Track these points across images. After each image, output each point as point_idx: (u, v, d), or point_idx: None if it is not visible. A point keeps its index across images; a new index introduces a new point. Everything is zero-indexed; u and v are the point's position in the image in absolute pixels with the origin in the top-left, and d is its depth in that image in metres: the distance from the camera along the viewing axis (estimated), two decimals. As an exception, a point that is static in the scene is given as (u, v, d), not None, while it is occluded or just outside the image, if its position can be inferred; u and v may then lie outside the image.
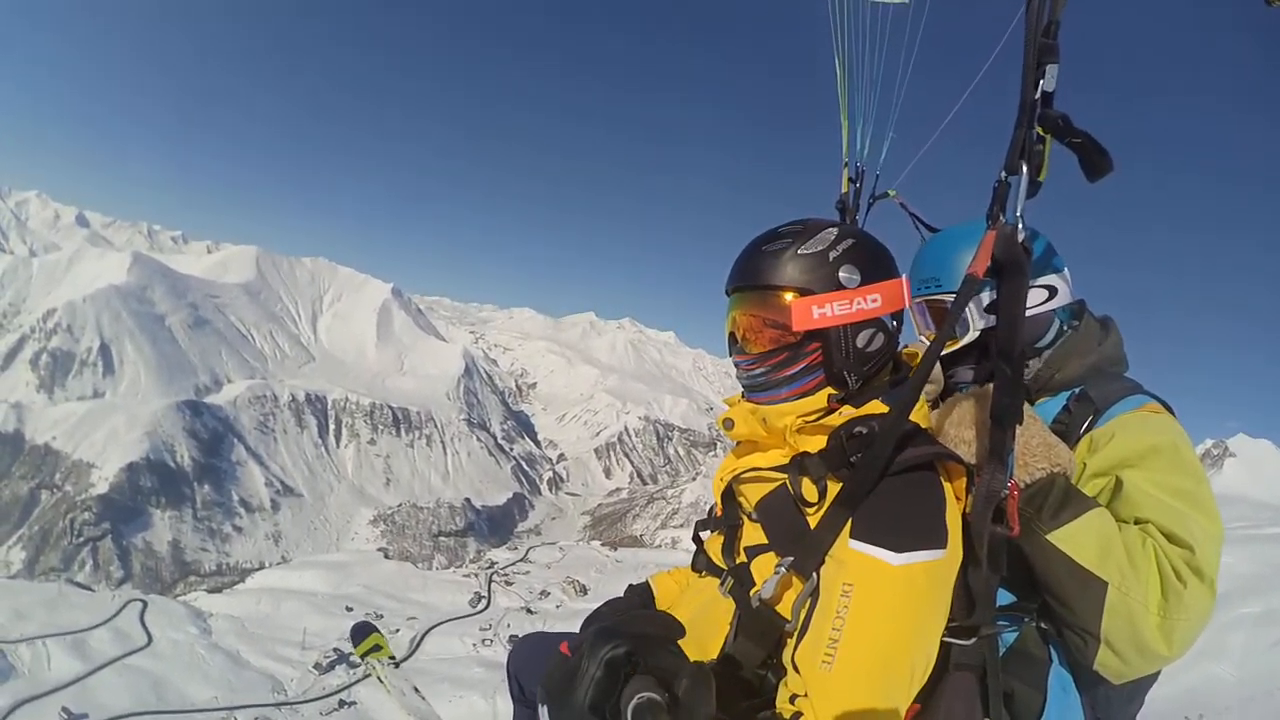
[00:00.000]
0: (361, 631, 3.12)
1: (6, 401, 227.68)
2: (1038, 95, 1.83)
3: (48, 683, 71.55)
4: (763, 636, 1.97)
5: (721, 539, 2.33)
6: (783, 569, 1.90)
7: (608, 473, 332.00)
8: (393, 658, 3.17)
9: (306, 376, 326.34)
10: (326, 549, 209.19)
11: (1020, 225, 1.88)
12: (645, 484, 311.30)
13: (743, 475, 2.20)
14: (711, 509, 2.43)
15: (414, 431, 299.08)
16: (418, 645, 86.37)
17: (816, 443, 2.03)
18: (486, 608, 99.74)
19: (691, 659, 1.89)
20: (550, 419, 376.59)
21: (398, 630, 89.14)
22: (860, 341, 2.10)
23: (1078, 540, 1.97)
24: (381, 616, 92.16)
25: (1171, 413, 2.39)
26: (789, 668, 1.83)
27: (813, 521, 1.93)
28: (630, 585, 2.78)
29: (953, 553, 1.81)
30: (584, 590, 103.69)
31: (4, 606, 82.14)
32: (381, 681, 3.15)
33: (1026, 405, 2.14)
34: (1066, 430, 2.36)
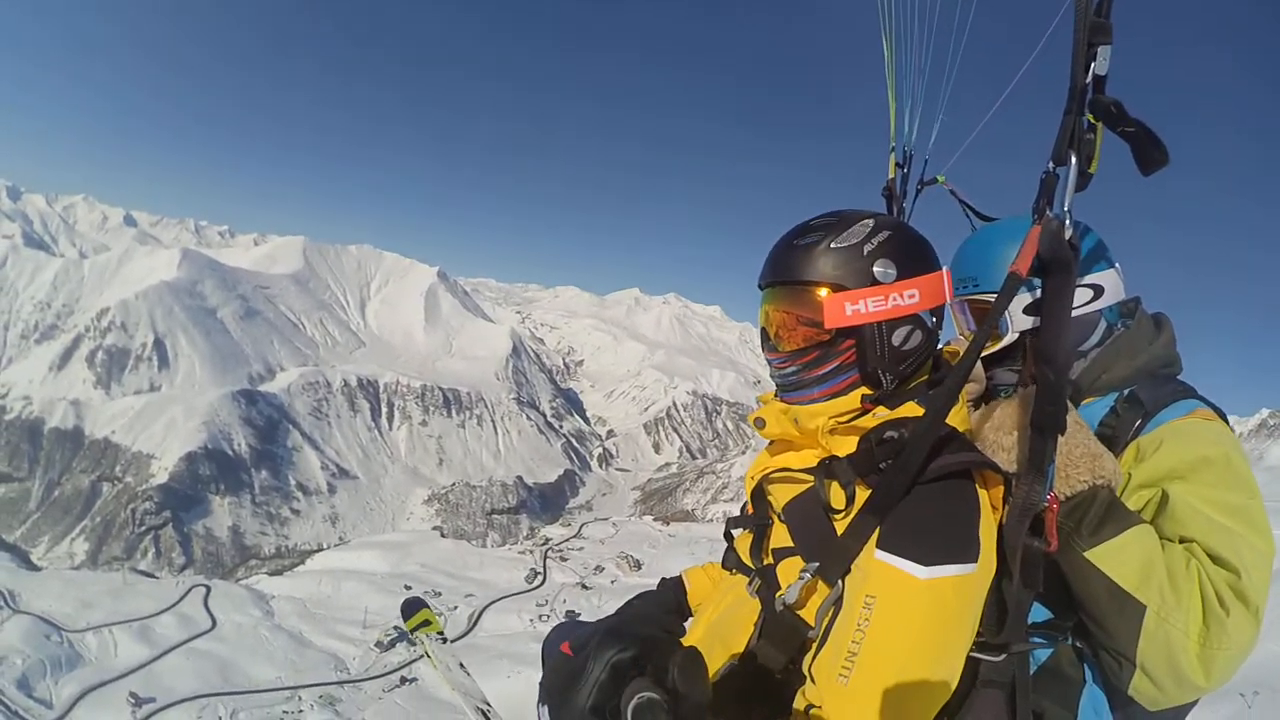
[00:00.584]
0: (412, 607, 3.08)
1: (65, 399, 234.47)
2: (1088, 79, 1.74)
3: (115, 669, 73.09)
4: (785, 641, 1.91)
5: (751, 538, 2.26)
6: (807, 574, 1.84)
7: (657, 448, 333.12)
8: (441, 633, 3.23)
9: (357, 361, 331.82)
10: (383, 529, 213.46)
11: (1068, 220, 1.81)
12: (694, 458, 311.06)
13: (772, 475, 2.15)
14: (744, 506, 2.35)
15: (465, 412, 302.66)
16: (475, 622, 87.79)
17: (848, 445, 1.95)
18: (542, 584, 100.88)
19: (717, 659, 1.92)
20: (598, 396, 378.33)
21: (455, 607, 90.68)
22: (896, 339, 1.99)
23: (1118, 559, 1.87)
24: (439, 594, 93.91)
25: (1224, 419, 2.26)
26: (807, 676, 1.79)
27: (839, 528, 1.86)
28: (663, 579, 2.73)
29: (984, 567, 1.72)
30: (638, 565, 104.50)
31: (70, 597, 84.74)
32: (429, 656, 3.18)
33: (1071, 410, 2.01)
34: (1113, 435, 2.25)
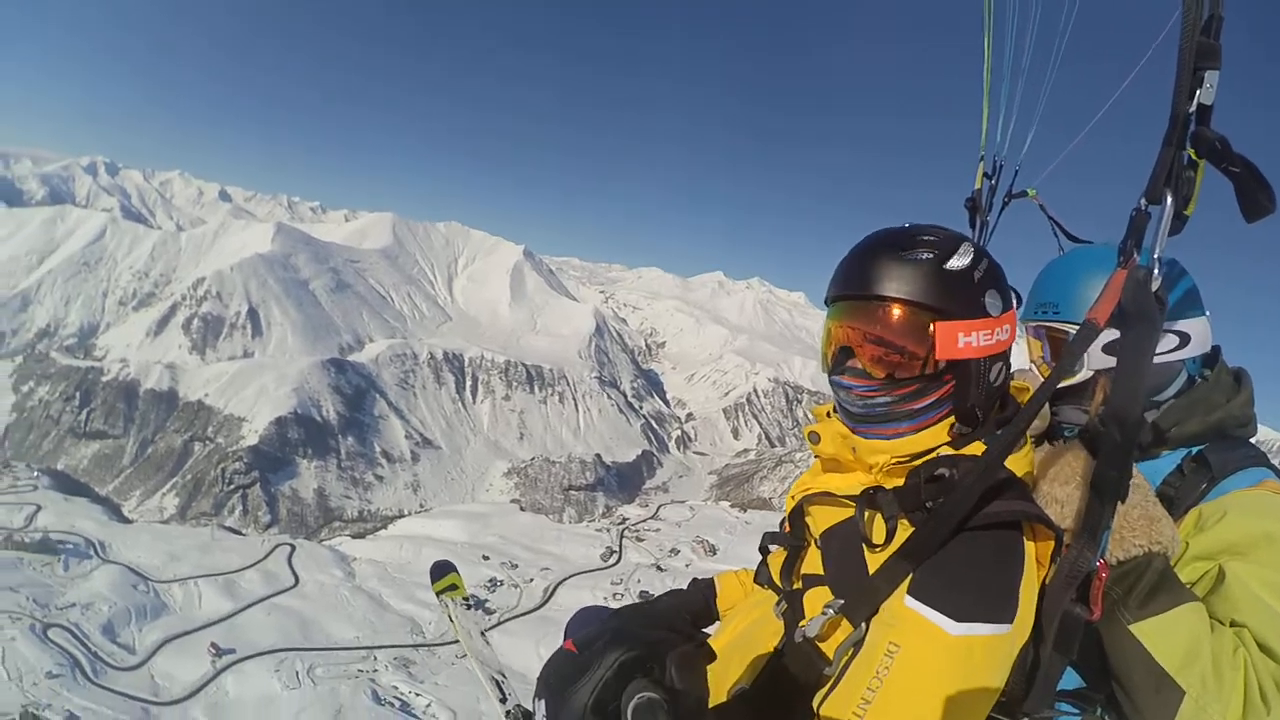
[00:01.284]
0: (441, 570, 2.96)
1: (161, 362, 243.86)
2: (1192, 108, 1.57)
3: (198, 620, 75.29)
4: (800, 673, 1.80)
5: (784, 557, 2.13)
6: (832, 610, 1.73)
7: (735, 433, 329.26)
8: (466, 599, 3.17)
9: (444, 335, 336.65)
10: (462, 499, 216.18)
11: (1156, 269, 1.65)
12: (773, 446, 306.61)
13: (814, 496, 2.02)
14: (782, 522, 2.20)
15: (547, 388, 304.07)
16: (550, 595, 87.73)
17: (900, 478, 1.83)
18: (618, 562, 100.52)
19: (733, 675, 1.86)
20: (679, 378, 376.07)
21: (531, 580, 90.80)
22: (992, 376, 1.85)
23: (1163, 637, 1.73)
24: (516, 566, 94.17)
25: None
26: (815, 714, 1.66)
27: (873, 565, 1.74)
28: (694, 580, 2.60)
29: (1019, 628, 1.58)
30: (713, 550, 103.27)
31: (159, 549, 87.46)
32: (451, 620, 3.13)
33: (1135, 469, 1.84)
34: (1175, 496, 2.10)
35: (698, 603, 2.48)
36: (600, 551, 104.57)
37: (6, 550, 74.71)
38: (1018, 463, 1.82)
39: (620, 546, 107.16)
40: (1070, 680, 1.90)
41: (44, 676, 59.18)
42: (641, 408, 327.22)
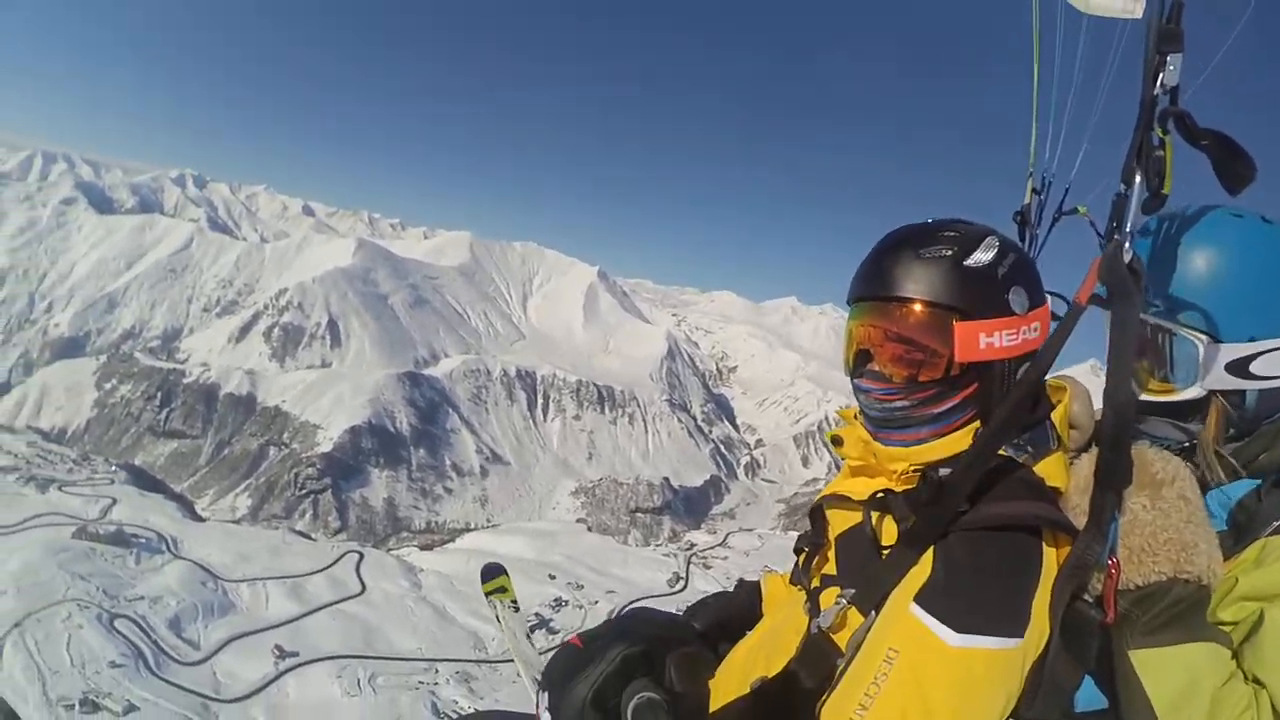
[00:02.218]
0: (491, 572, 2.96)
1: (242, 368, 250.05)
2: (1157, 90, 1.60)
3: (264, 620, 74.41)
4: (816, 666, 1.72)
5: (805, 557, 2.09)
6: (844, 601, 1.69)
7: (805, 461, 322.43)
8: (514, 602, 3.18)
9: (517, 353, 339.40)
10: (529, 515, 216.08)
11: (1128, 243, 1.63)
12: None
13: (831, 498, 2.00)
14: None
15: (617, 409, 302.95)
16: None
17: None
18: (684, 589, 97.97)
19: (759, 669, 1.82)
20: (750, 403, 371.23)
21: (596, 602, 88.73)
22: (1020, 377, 1.74)
23: (1157, 672, 1.57)
24: (581, 587, 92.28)
25: None
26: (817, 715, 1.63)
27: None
28: (741, 580, 2.55)
29: (1030, 643, 1.48)
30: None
31: (230, 548, 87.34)
32: (499, 621, 3.15)
33: (1181, 481, 1.72)
34: (1245, 524, 1.87)
35: (743, 604, 2.40)
36: (667, 577, 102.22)
37: (80, 540, 75.36)
38: (1049, 469, 1.74)
39: (687, 573, 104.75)
40: (1094, 700, 1.71)
41: (107, 665, 59.05)
42: (711, 432, 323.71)
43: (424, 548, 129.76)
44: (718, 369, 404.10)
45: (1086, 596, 1.58)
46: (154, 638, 65.26)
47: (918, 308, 1.72)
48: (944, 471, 1.66)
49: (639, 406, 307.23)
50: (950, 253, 1.70)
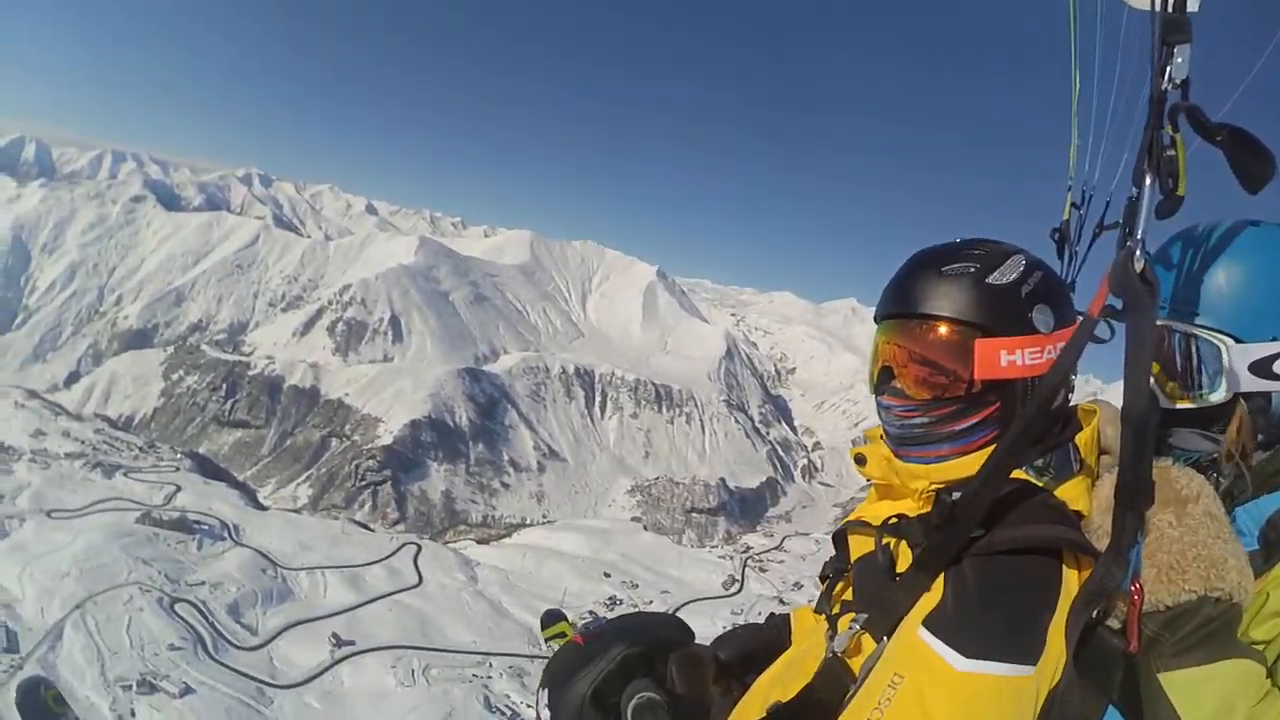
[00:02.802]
0: (552, 618, 2.94)
1: (305, 361, 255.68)
2: (1165, 85, 1.50)
3: (322, 608, 74.57)
4: (829, 690, 1.69)
5: (828, 583, 2.08)
6: (857, 625, 1.67)
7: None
8: None
9: (576, 351, 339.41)
10: (585, 512, 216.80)
11: (1139, 249, 1.51)
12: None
13: (854, 523, 1.97)
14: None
15: (675, 409, 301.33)
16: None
17: None
18: (739, 592, 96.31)
19: (777, 695, 1.80)
20: (807, 406, 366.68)
21: (650, 602, 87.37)
22: (1031, 393, 1.70)
23: (1192, 694, 1.46)
24: (636, 586, 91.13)
25: None
26: None
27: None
28: (771, 614, 2.52)
29: (1046, 672, 1.38)
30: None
31: (290, 537, 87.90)
32: None
33: (1204, 498, 1.64)
34: (1277, 540, 1.82)
35: (771, 636, 2.34)
36: (722, 579, 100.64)
37: (144, 525, 76.59)
38: (1070, 493, 1.69)
39: (743, 576, 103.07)
40: None
41: (165, 648, 59.73)
42: (768, 434, 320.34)
43: (480, 541, 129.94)
44: (776, 370, 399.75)
45: (1112, 623, 1.53)
46: (213, 622, 65.84)
47: (938, 324, 1.71)
48: (957, 494, 1.61)
49: (696, 406, 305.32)
50: (973, 270, 1.69)
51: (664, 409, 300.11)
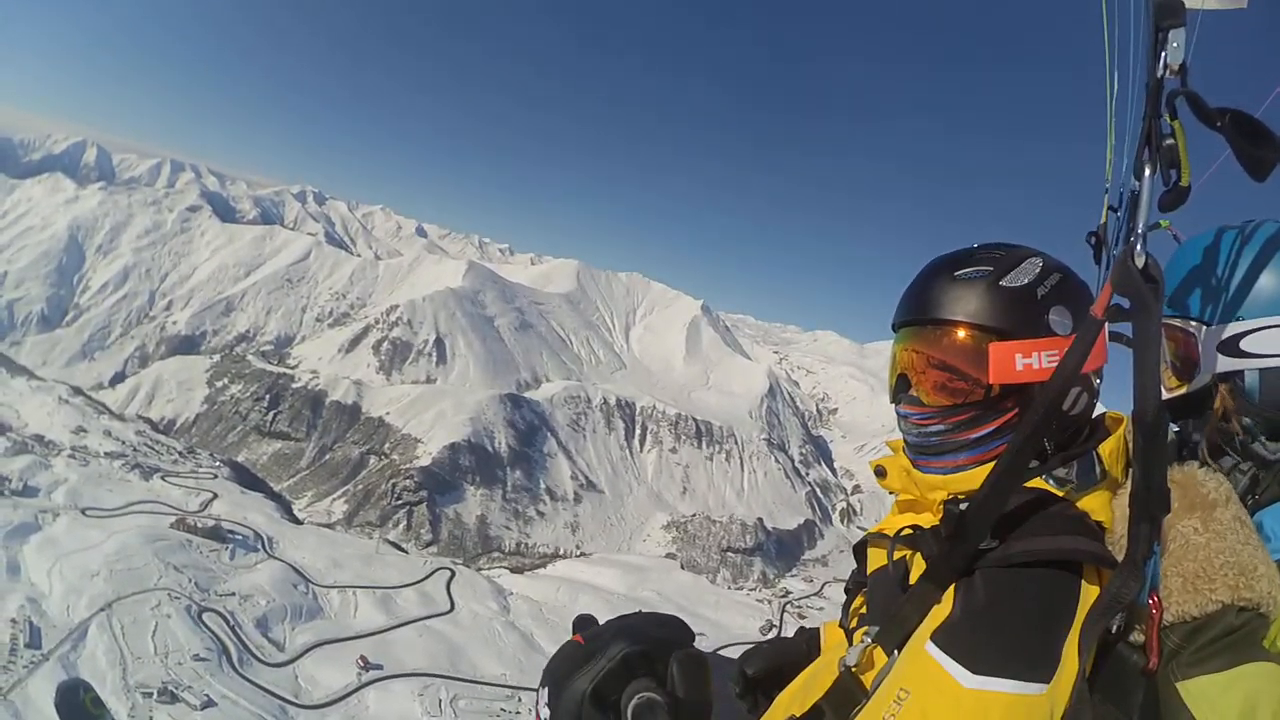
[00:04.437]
0: (583, 624, 2.52)
1: (350, 378, 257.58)
2: (1161, 72, 1.47)
3: (351, 629, 73.21)
4: (840, 705, 1.67)
5: (847, 599, 2.08)
6: (868, 639, 1.65)
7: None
8: None
9: (617, 382, 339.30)
10: (619, 546, 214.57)
11: (1140, 245, 1.47)
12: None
13: (873, 536, 1.95)
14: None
15: (715, 445, 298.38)
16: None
17: None
18: (777, 638, 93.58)
19: (797, 709, 1.78)
20: (848, 448, 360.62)
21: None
22: (1067, 403, 1.66)
23: (1213, 701, 1.36)
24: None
25: None
26: None
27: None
28: (801, 628, 2.48)
29: (1058, 690, 1.30)
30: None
31: (323, 553, 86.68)
32: None
33: (1229, 502, 1.58)
34: None
35: (798, 651, 2.31)
36: (760, 624, 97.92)
37: (178, 531, 76.00)
38: (1093, 503, 1.61)
39: (781, 621, 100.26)
40: None
41: (190, 658, 58.86)
42: (808, 475, 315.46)
43: (515, 570, 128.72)
44: (818, 410, 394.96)
45: (1136, 638, 1.46)
46: (240, 635, 64.71)
47: (952, 329, 1.69)
48: (966, 503, 1.53)
49: (736, 444, 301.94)
50: (987, 273, 1.67)
51: (704, 445, 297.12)
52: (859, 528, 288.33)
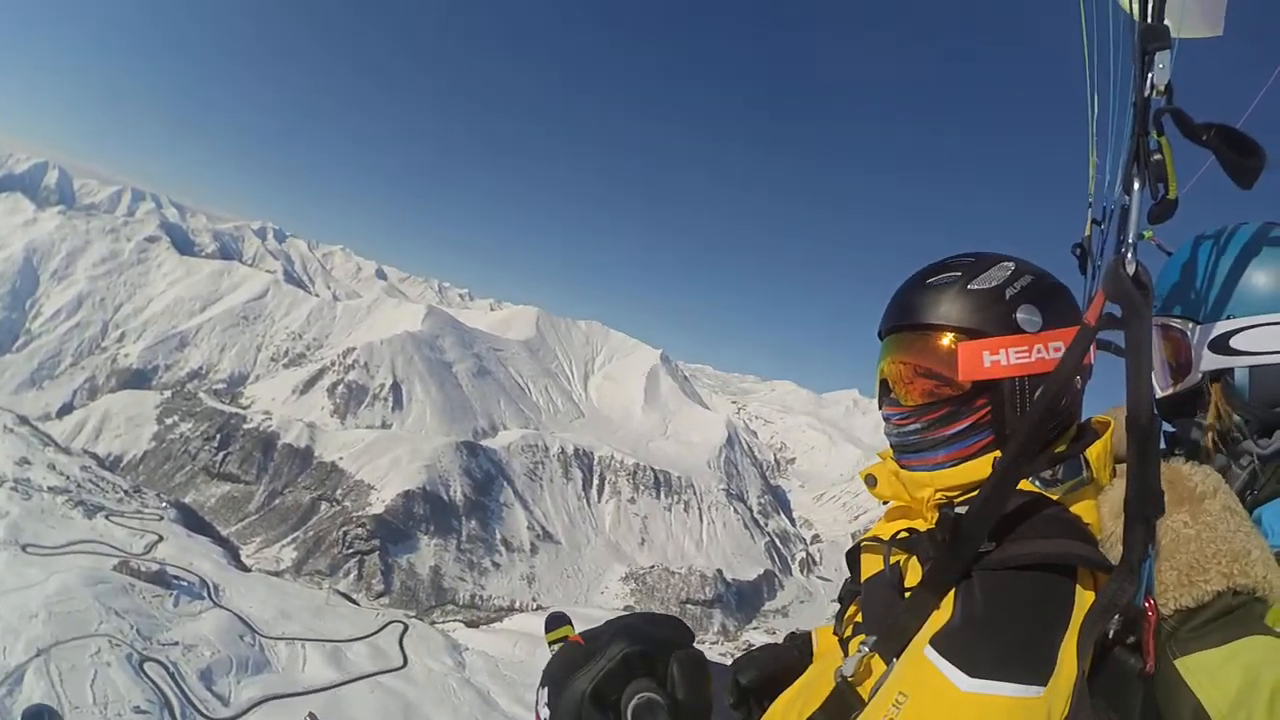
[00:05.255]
0: (556, 621, 2.74)
1: (303, 420, 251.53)
2: (1149, 91, 1.54)
3: (300, 684, 70.96)
4: (837, 717, 1.64)
5: (841, 606, 2.05)
6: (865, 649, 1.61)
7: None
8: None
9: (576, 431, 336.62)
10: (577, 598, 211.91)
11: (1130, 253, 1.53)
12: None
13: (865, 542, 1.95)
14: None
15: (673, 495, 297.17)
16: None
17: None
18: (769, 645, 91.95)
19: (794, 718, 1.77)
20: (807, 497, 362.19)
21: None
22: (1034, 402, 1.66)
23: (1212, 675, 1.35)
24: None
25: None
26: None
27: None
28: (792, 633, 2.48)
29: (1057, 693, 1.30)
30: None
31: (272, 604, 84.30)
32: None
33: (1220, 491, 1.60)
34: None
35: (792, 658, 2.31)
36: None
37: (121, 574, 73.30)
38: (1082, 506, 1.65)
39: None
40: None
41: (130, 710, 56.69)
42: (767, 525, 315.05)
43: (470, 624, 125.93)
44: (776, 460, 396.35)
45: (1131, 640, 1.46)
46: (184, 687, 62.25)
47: (923, 332, 1.75)
48: (962, 507, 1.57)
49: (695, 494, 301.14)
50: (957, 277, 1.73)
51: (662, 495, 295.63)
52: (819, 577, 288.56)
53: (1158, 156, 1.51)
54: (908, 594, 1.62)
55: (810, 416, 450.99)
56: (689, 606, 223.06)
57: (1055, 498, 1.61)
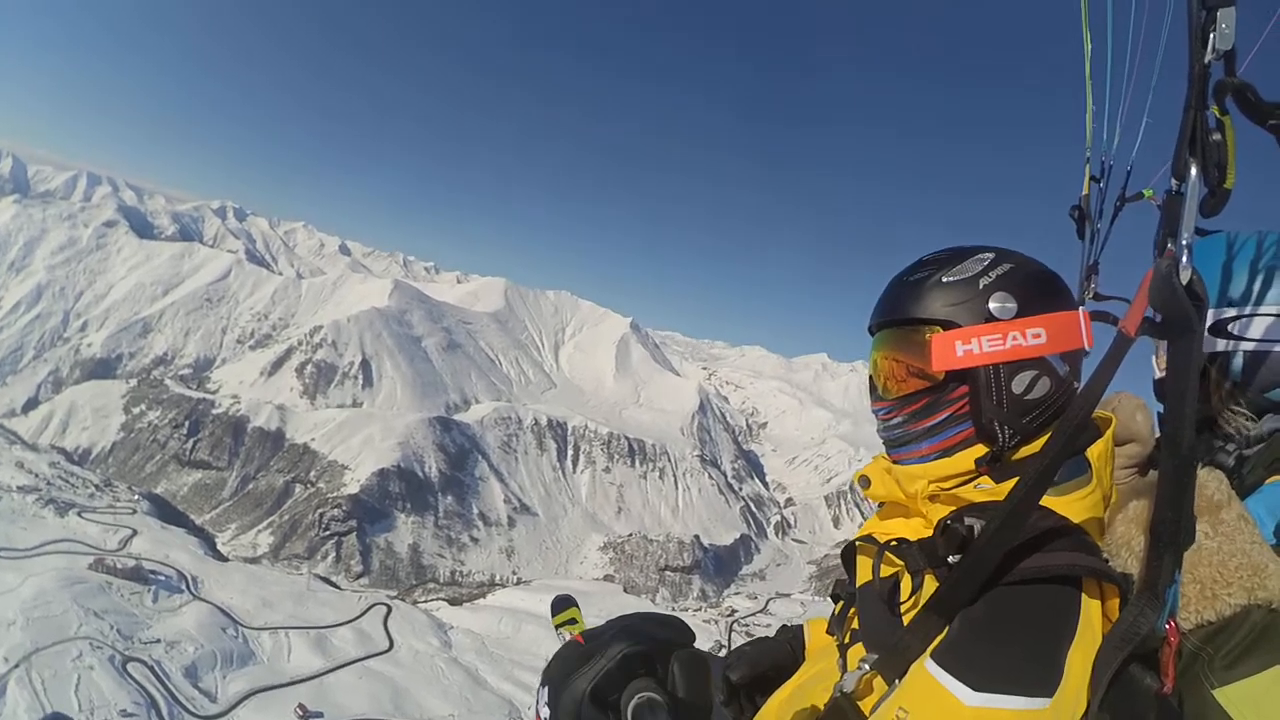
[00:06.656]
0: (561, 604, 2.79)
1: (272, 403, 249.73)
2: (1208, 58, 1.26)
3: (286, 674, 70.58)
4: None
5: (839, 607, 2.01)
6: (866, 666, 1.60)
7: (836, 522, 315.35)
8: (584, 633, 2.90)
9: (548, 402, 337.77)
10: (556, 569, 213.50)
11: (1185, 257, 1.32)
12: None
13: (859, 544, 1.91)
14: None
15: (648, 463, 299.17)
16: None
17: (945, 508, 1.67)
18: (759, 639, 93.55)
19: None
20: (780, 461, 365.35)
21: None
22: (1017, 386, 1.65)
23: (1256, 703, 1.31)
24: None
25: None
26: None
27: (906, 619, 1.59)
28: (784, 626, 2.47)
29: (1063, 706, 1.28)
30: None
31: (252, 593, 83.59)
32: None
33: (1231, 503, 1.55)
34: None
35: (784, 653, 2.32)
36: (710, 645, 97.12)
37: (97, 573, 71.96)
38: (1074, 506, 1.58)
39: (729, 641, 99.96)
40: None
41: (117, 714, 55.78)
42: (741, 489, 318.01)
43: (453, 602, 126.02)
44: (748, 425, 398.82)
45: (1144, 651, 1.41)
46: (169, 686, 61.54)
47: (900, 327, 1.77)
48: (968, 522, 1.52)
49: (670, 461, 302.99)
50: (931, 272, 1.74)
51: (637, 463, 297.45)
52: (794, 540, 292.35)
53: (1217, 137, 1.28)
54: (902, 607, 1.61)
55: (781, 381, 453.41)
56: (668, 573, 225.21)
57: (1060, 513, 1.54)
